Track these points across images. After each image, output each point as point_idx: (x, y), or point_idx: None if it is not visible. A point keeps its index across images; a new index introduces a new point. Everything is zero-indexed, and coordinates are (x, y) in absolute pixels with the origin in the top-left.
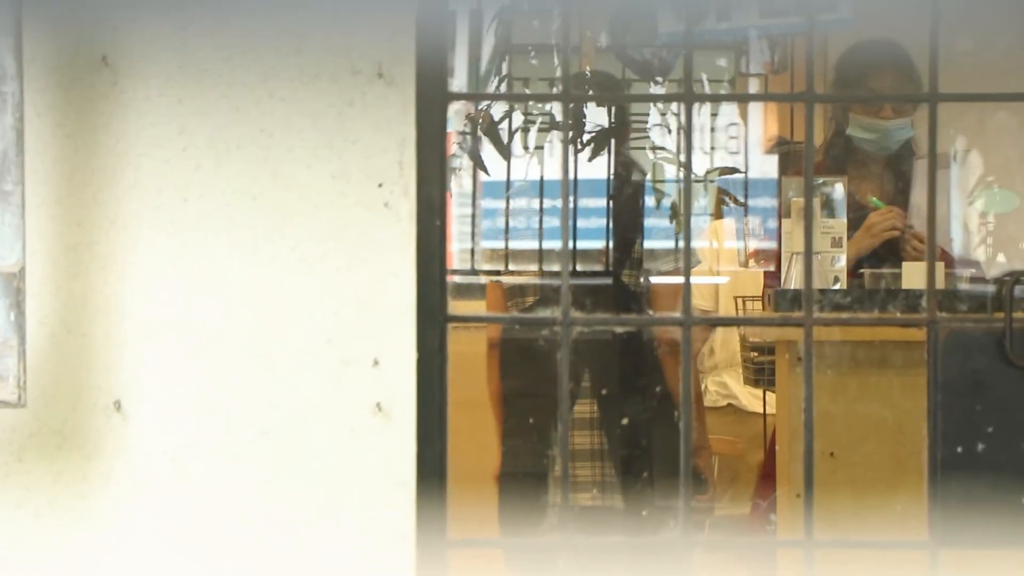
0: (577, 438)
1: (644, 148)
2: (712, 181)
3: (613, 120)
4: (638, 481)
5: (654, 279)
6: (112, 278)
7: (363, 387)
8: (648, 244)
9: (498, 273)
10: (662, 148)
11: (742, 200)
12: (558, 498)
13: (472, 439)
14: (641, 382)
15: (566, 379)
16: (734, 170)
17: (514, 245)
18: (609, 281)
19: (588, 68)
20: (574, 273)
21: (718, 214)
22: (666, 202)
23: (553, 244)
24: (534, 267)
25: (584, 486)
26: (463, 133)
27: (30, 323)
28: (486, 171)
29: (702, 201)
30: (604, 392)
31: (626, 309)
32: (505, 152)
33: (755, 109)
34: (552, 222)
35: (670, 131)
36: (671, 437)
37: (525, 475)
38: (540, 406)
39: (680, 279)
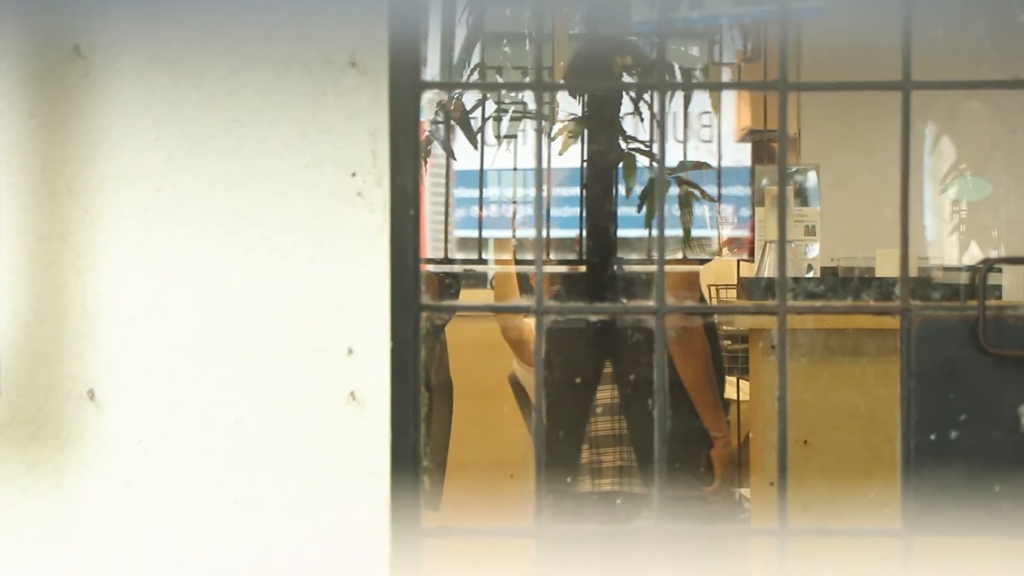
0: (601, 423)
1: (616, 137)
2: (680, 174)
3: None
4: (653, 467)
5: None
6: (85, 268)
7: (337, 376)
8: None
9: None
10: (633, 137)
11: (710, 193)
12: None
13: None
14: (651, 370)
15: (541, 365)
16: (704, 164)
17: (485, 234)
18: (581, 269)
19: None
20: (547, 262)
21: (687, 205)
22: (636, 191)
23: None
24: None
25: (607, 472)
26: (435, 122)
27: (3, 313)
28: (454, 158)
29: (672, 192)
30: (625, 379)
31: (600, 298)
32: (476, 141)
33: (728, 98)
34: (527, 211)
35: (643, 120)
36: (679, 425)
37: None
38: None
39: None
